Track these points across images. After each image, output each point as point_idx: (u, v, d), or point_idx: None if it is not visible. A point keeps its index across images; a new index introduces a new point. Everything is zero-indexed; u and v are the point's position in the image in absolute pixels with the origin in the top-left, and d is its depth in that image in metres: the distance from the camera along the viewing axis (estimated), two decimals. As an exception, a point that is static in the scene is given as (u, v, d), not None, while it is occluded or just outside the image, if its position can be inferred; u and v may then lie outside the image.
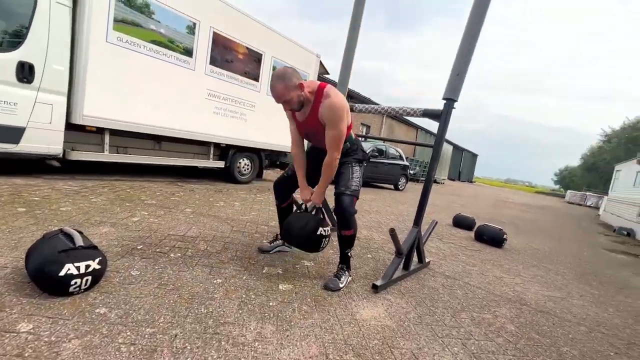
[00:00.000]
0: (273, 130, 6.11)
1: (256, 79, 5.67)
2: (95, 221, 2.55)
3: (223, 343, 1.33)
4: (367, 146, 10.09)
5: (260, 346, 1.35)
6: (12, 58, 3.24)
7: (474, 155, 38.91)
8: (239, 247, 2.50)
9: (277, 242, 2.52)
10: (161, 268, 1.91)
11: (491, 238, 4.30)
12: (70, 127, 3.73)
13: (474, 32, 2.25)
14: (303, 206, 2.22)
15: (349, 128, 2.04)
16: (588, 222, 11.53)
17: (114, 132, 4.13)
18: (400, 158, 11.02)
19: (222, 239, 2.62)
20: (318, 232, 2.05)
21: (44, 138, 3.54)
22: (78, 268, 1.45)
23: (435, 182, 19.91)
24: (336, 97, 1.88)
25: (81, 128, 3.83)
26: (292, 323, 1.56)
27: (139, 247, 2.17)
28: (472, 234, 4.72)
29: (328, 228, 2.14)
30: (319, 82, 1.96)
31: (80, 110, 3.69)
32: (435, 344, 1.62)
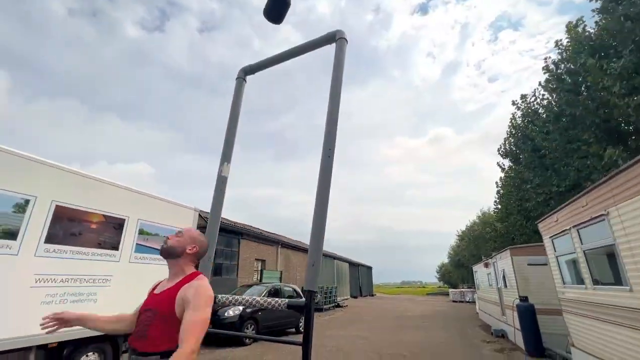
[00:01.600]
0: (138, 301, 5.02)
1: (115, 247, 4.89)
2: None
3: None
4: (261, 289, 9.41)
5: None
6: None
7: (369, 268, 41.50)
8: None
9: None
10: None
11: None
12: None
13: (320, 224, 2.45)
14: None
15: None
16: (471, 326, 12.65)
17: None
18: (298, 295, 10.57)
19: None
20: None
21: None
22: None
23: (338, 305, 19.52)
24: (209, 287, 1.61)
25: None
26: None
27: None
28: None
29: None
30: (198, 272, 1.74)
31: None
32: None
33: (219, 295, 2.74)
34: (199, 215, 7.04)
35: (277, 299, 2.48)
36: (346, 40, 3.02)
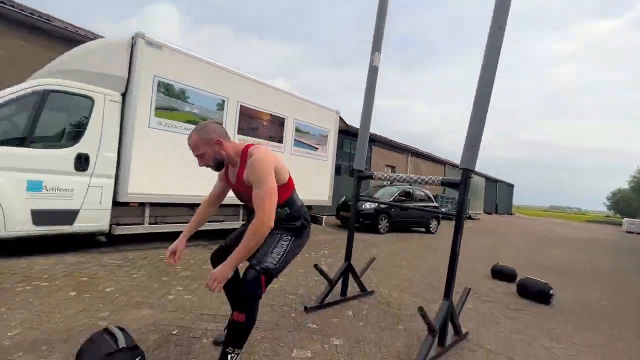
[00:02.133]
0: (298, 186, 6.33)
1: (280, 141, 6.05)
2: (136, 302, 2.72)
3: None
4: (394, 190, 10.03)
5: None
6: (72, 151, 3.76)
7: (510, 186, 37.06)
8: (267, 325, 2.52)
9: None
10: (194, 358, 1.97)
11: (536, 293, 3.97)
12: (115, 204, 4.14)
13: (484, 99, 2.33)
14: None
15: (288, 188, 1.85)
16: (653, 257, 10.27)
17: (153, 205, 4.51)
18: (429, 199, 10.79)
19: (251, 316, 2.67)
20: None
21: (94, 217, 3.94)
22: (120, 371, 1.55)
23: (469, 218, 19.00)
24: (260, 154, 1.67)
25: (125, 204, 4.22)
26: None
27: (174, 332, 2.26)
28: (513, 287, 4.38)
29: None
30: (245, 144, 1.81)
31: (125, 190, 4.10)
32: None
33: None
34: (340, 117, 7.64)
35: (430, 176, 2.68)
36: None
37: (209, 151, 1.70)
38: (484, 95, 2.33)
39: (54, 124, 3.83)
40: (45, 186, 3.57)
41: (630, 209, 45.63)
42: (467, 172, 2.35)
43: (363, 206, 8.84)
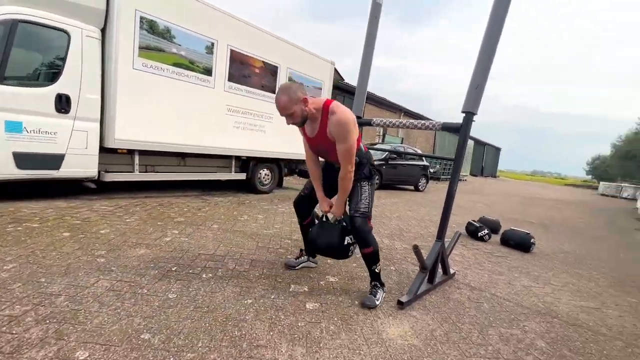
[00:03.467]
0: (291, 140, 6.20)
1: (273, 91, 5.79)
2: (132, 243, 2.73)
3: (258, 367, 1.41)
4: (385, 148, 10.03)
5: (292, 370, 1.42)
6: (50, 91, 3.51)
7: (497, 149, 37.65)
8: (265, 265, 2.59)
9: (302, 258, 2.60)
10: (195, 290, 2.03)
11: (518, 243, 4.20)
12: (103, 150, 3.99)
13: (492, 43, 2.23)
14: (324, 218, 2.29)
15: (358, 141, 2.08)
16: (624, 218, 10.91)
17: (143, 152, 4.37)
18: (420, 158, 10.88)
19: (248, 257, 2.73)
20: (345, 243, 2.13)
21: (81, 163, 3.81)
22: None
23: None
24: (343, 113, 1.92)
25: (113, 151, 4.07)
26: (321, 344, 1.63)
27: (173, 269, 2.31)
28: (498, 237, 4.61)
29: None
30: (325, 99, 2.01)
31: (112, 135, 3.93)
32: (463, 364, 1.63)
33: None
34: (335, 69, 7.32)
35: (430, 120, 2.63)
36: None
37: (298, 110, 1.91)
38: (494, 34, 2.22)
39: (28, 60, 3.52)
40: (25, 128, 3.37)
41: (608, 176, 47.49)
42: (470, 115, 2.31)
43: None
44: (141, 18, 3.97)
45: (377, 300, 2.11)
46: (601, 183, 26.66)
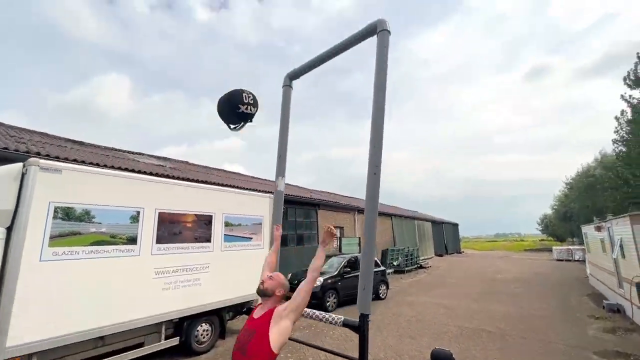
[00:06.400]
0: (233, 283, 5.96)
1: (208, 240, 5.76)
2: None
3: None
4: (339, 261, 9.98)
5: None
6: None
7: (454, 226, 39.52)
8: None
9: None
10: None
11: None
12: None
13: (370, 251, 2.44)
14: None
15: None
16: (577, 293, 11.24)
17: (44, 353, 3.80)
18: (376, 264, 10.87)
19: None
20: None
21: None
22: None
23: (420, 267, 19.45)
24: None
25: (3, 360, 3.50)
26: None
27: None
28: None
29: None
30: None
31: (3, 343, 3.42)
32: None
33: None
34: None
35: (332, 315, 2.63)
36: (389, 31, 2.77)
37: (273, 288, 2.10)
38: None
39: None
40: None
41: (558, 232, 50.71)
42: (365, 317, 2.36)
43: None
44: (55, 208, 3.96)
45: None
46: (554, 248, 28.24)
